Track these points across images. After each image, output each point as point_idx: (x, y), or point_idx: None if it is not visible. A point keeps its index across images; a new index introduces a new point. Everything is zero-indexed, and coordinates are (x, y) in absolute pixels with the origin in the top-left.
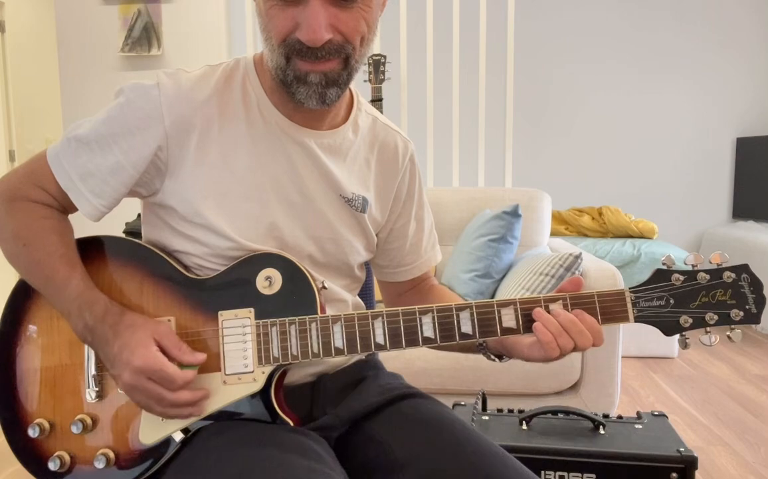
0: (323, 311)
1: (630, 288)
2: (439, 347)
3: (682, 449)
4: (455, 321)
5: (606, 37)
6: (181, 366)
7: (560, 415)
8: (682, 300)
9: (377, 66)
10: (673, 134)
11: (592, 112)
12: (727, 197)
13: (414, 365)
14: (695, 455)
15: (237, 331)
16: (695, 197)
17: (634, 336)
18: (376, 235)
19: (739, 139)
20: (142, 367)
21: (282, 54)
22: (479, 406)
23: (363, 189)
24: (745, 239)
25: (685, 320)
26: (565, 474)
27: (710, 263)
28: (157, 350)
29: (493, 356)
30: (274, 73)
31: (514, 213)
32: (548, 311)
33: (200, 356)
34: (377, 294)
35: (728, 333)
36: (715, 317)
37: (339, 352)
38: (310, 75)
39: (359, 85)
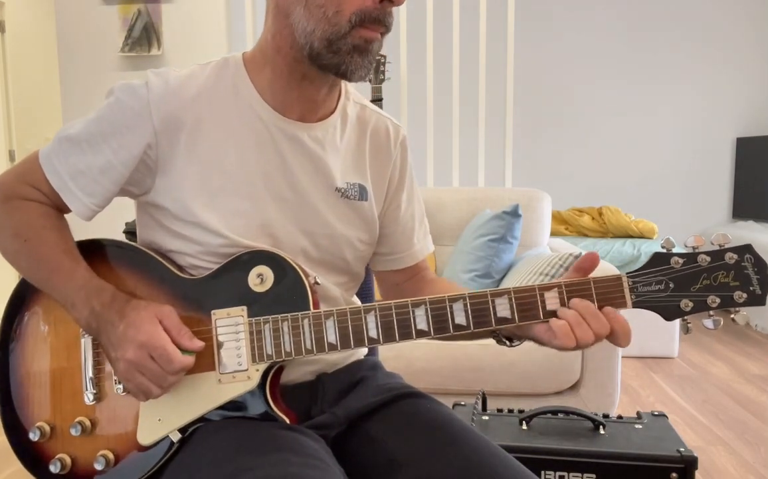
0: (316, 306)
1: (627, 273)
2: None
3: (682, 449)
4: (448, 313)
5: (606, 38)
6: (181, 352)
7: (560, 415)
8: (683, 284)
9: (377, 66)
10: (674, 133)
11: (592, 111)
12: (727, 197)
13: (414, 365)
14: (695, 455)
15: (230, 329)
16: (695, 197)
17: (634, 336)
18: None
19: (739, 139)
20: (147, 342)
21: (349, 22)
22: (479, 406)
23: (359, 177)
24: (745, 239)
25: (686, 304)
26: (565, 474)
27: (711, 244)
28: (161, 329)
29: (504, 340)
30: (321, 47)
31: (514, 213)
32: (543, 300)
33: (198, 343)
34: (377, 295)
35: (732, 316)
36: (718, 300)
37: (332, 347)
38: (374, 43)
39: (359, 85)
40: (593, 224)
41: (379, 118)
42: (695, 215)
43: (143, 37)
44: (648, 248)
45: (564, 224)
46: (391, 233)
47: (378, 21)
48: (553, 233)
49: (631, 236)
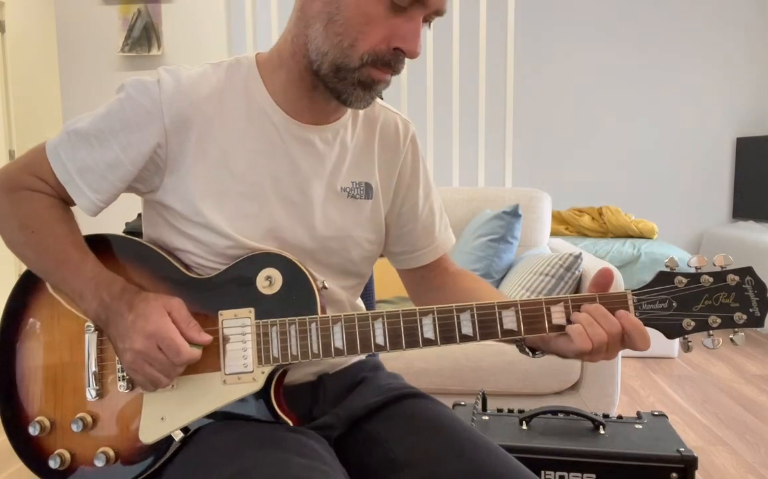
0: (323, 311)
1: (632, 290)
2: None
3: (682, 449)
4: (456, 323)
5: (606, 37)
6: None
7: (560, 415)
8: (685, 303)
9: None
10: (674, 133)
11: (592, 112)
12: (727, 197)
13: (414, 365)
14: (695, 455)
15: (237, 331)
16: (695, 197)
17: None
18: (385, 219)
19: (739, 139)
20: (155, 332)
21: (360, 59)
22: (479, 406)
23: (366, 175)
24: (745, 239)
25: (688, 323)
26: (565, 474)
27: (714, 265)
28: (170, 321)
29: (527, 350)
30: (328, 71)
31: (514, 213)
32: (550, 314)
33: (206, 337)
34: (377, 295)
35: (731, 336)
36: (718, 320)
37: (339, 353)
38: (381, 84)
39: None
40: (593, 224)
41: (387, 113)
42: (695, 214)
43: (143, 37)
44: (648, 248)
45: (564, 224)
46: (411, 230)
47: (388, 65)
48: (553, 233)
49: (631, 236)
